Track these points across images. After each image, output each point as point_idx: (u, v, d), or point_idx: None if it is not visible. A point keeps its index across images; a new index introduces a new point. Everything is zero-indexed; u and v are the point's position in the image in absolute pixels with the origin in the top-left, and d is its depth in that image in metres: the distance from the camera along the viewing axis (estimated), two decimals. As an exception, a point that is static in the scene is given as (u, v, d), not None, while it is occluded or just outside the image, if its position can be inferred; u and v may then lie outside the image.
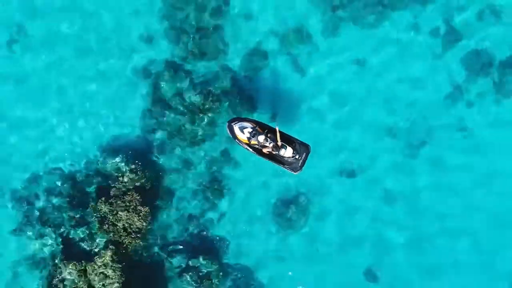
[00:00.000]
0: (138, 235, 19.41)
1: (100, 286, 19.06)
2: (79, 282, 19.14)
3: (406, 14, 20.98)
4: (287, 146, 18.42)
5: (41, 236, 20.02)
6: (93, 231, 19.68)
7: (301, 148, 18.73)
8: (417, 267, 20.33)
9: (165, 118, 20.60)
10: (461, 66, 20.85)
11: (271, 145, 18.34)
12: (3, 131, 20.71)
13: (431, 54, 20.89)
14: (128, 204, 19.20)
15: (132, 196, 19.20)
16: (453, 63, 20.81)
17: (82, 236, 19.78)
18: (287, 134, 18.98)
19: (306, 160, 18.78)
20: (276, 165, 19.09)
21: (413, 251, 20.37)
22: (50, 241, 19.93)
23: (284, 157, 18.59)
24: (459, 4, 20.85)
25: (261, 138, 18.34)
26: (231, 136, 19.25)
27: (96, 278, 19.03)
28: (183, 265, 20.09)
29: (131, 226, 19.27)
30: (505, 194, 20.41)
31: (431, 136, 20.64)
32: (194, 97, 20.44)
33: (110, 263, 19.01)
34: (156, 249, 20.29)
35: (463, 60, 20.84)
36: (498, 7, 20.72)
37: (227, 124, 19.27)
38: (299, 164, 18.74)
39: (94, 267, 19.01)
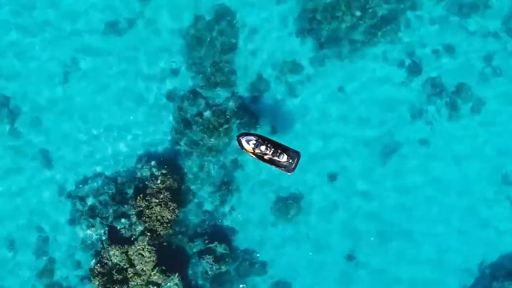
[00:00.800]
0: (168, 225, 24.95)
1: (139, 264, 24.67)
2: (122, 261, 24.79)
3: (378, 51, 26.57)
4: (283, 153, 23.99)
5: (92, 226, 25.69)
6: (132, 222, 25.27)
7: (294, 154, 24.21)
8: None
9: (187, 133, 26.29)
10: (422, 91, 26.42)
11: (271, 152, 23.89)
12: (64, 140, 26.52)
13: (397, 82, 26.54)
14: (160, 200, 24.81)
15: (164, 194, 24.82)
16: (415, 89, 26.43)
17: (124, 226, 25.39)
18: (282, 144, 24.49)
19: (298, 163, 24.38)
20: (274, 168, 24.69)
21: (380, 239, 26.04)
22: (99, 230, 25.57)
23: (281, 161, 24.05)
24: (420, 42, 26.46)
25: (263, 148, 23.86)
26: (239, 147, 24.68)
27: (136, 257, 24.65)
28: (202, 248, 25.66)
29: (163, 218, 24.83)
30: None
31: (398, 147, 26.28)
32: (210, 117, 26.11)
33: (146, 246, 24.64)
34: (181, 235, 25.91)
35: (423, 86, 26.38)
36: (452, 45, 26.30)
37: (236, 137, 24.85)
38: (292, 167, 24.27)
39: (134, 249, 24.66)
